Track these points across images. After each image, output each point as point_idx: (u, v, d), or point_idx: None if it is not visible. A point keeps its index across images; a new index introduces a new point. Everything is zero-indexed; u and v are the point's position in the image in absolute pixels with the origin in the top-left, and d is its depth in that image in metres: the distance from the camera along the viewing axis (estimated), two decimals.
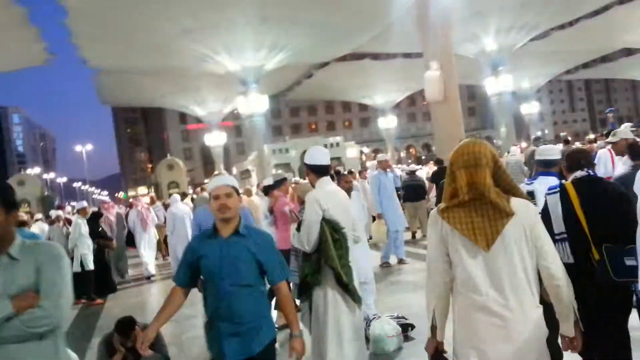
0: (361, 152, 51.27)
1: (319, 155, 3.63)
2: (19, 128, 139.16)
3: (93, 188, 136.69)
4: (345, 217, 3.51)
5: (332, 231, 3.37)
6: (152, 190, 36.35)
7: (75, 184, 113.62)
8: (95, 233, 9.55)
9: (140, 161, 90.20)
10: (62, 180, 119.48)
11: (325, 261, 3.32)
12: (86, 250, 9.32)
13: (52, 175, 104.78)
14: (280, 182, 6.31)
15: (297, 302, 3.57)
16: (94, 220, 9.74)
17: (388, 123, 41.41)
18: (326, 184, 3.58)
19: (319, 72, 34.55)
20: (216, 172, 35.20)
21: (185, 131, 67.84)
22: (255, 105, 24.35)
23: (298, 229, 3.48)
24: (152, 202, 15.04)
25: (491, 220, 2.05)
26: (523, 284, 2.04)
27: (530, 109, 38.13)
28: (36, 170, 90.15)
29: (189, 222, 9.51)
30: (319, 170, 3.59)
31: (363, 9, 21.68)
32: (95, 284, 9.31)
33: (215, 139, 35.10)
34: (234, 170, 48.44)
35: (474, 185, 2.08)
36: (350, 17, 22.47)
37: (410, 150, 73.16)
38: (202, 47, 22.18)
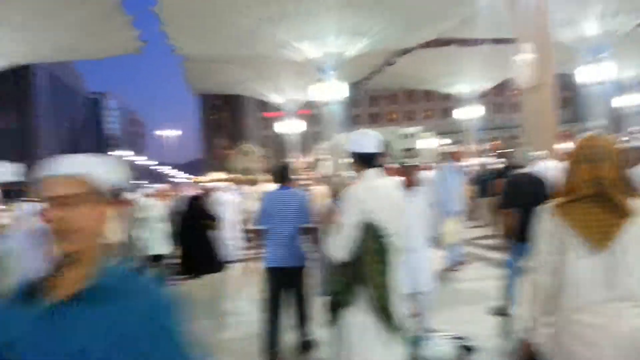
0: (439, 144, 49.65)
1: (366, 140, 3.08)
2: (115, 113, 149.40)
3: (175, 170, 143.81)
4: (396, 221, 2.86)
5: (373, 239, 2.73)
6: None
7: (160, 168, 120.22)
8: (199, 213, 9.52)
9: (221, 147, 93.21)
10: (151, 163, 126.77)
11: (358, 278, 2.68)
12: (150, 233, 9.31)
13: (142, 158, 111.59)
14: None
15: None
16: (196, 200, 9.49)
17: (469, 113, 39.49)
18: (374, 177, 2.97)
19: (401, 60, 33.60)
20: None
21: (263, 119, 69.12)
22: (332, 92, 23.98)
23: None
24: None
25: (610, 218, 1.94)
26: (638, 290, 1.92)
27: (632, 100, 34.78)
28: (127, 153, 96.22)
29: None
30: (365, 160, 3.03)
31: None
32: (201, 263, 9.10)
33: (291, 127, 35.19)
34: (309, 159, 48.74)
35: (596, 180, 1.99)
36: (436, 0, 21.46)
37: (494, 142, 69.73)
38: (283, 34, 22.09)
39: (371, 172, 3.00)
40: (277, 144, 66.02)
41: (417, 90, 65.90)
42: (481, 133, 48.96)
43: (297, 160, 35.78)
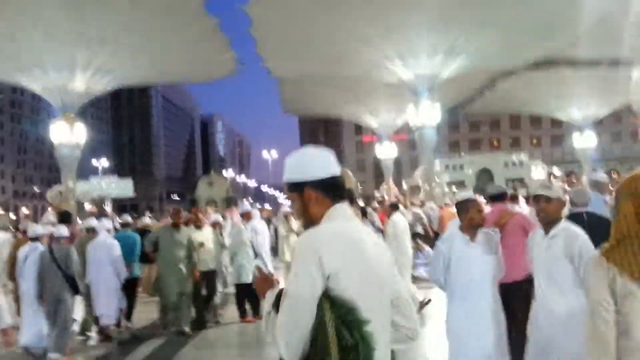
0: (550, 174, 45.74)
1: (324, 160, 1.90)
2: (221, 135, 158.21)
3: (276, 192, 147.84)
4: (378, 295, 1.73)
5: (340, 327, 1.55)
6: None
7: (263, 188, 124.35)
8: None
9: None
10: (251, 183, 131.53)
11: None
12: (245, 260, 8.86)
13: (243, 178, 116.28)
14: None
15: None
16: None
17: (584, 142, 35.84)
18: (342, 217, 1.82)
19: (504, 82, 31.40)
20: (384, 185, 34.33)
21: (359, 143, 68.75)
22: (426, 116, 22.75)
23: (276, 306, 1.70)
24: None
25: None
26: None
27: None
28: (231, 173, 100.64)
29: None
30: (328, 188, 1.85)
31: (561, 6, 18.72)
32: None
33: (386, 152, 34.24)
34: (404, 185, 47.28)
35: None
36: (545, 16, 19.65)
37: (613, 174, 63.35)
38: (376, 54, 21.45)
39: (339, 210, 1.84)
40: (374, 169, 65.42)
41: (522, 115, 61.99)
42: (597, 163, 44.60)
43: (389, 186, 34.71)
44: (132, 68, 23.05)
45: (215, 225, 9.45)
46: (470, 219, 4.14)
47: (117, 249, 8.07)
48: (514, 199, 12.07)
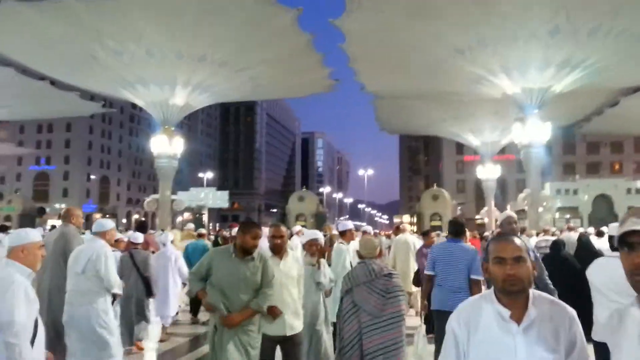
0: None
1: None
2: (321, 151, 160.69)
3: (374, 210, 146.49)
4: None
5: None
6: (415, 219, 35.28)
7: (360, 205, 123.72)
8: None
9: (417, 189, 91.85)
10: (347, 200, 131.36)
11: None
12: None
13: (340, 195, 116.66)
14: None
15: None
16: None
17: None
18: None
19: (628, 99, 27.91)
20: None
21: (460, 162, 65.52)
22: (534, 133, 20.57)
23: None
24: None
25: None
26: None
27: None
28: (328, 189, 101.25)
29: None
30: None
31: None
32: None
33: (488, 172, 31.91)
34: (508, 208, 43.89)
35: None
36: None
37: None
38: (476, 67, 19.81)
39: None
40: (475, 190, 62.03)
41: None
42: None
43: (490, 209, 32.20)
44: (229, 85, 23.52)
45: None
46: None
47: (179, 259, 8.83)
48: None
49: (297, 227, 9.81)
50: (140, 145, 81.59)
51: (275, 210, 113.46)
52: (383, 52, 21.12)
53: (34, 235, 3.24)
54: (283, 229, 4.48)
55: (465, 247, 5.56)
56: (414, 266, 9.05)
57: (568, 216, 39.77)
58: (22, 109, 29.69)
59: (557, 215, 39.33)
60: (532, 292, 1.85)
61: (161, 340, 8.22)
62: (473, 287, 5.32)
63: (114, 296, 5.26)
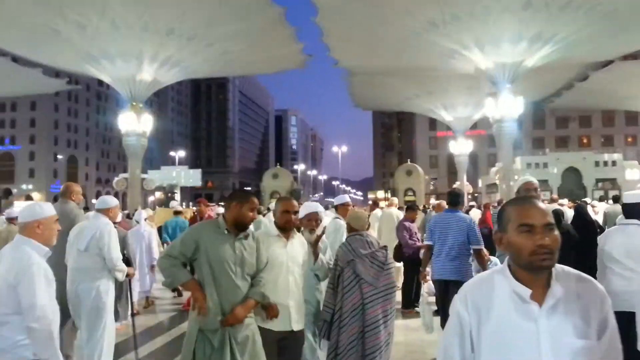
0: None
1: None
2: (294, 129, 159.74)
3: (349, 187, 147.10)
4: None
5: None
6: (389, 194, 35.41)
7: (334, 182, 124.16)
8: None
9: (391, 166, 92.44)
10: (323, 177, 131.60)
11: None
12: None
13: (314, 172, 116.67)
14: None
15: None
16: None
17: None
18: None
19: (597, 74, 28.37)
20: (456, 185, 32.29)
21: (433, 138, 66.04)
22: (506, 108, 20.71)
23: None
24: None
25: None
26: None
27: None
28: (302, 166, 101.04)
29: None
30: None
31: None
32: None
33: (460, 147, 32.20)
34: (480, 183, 44.53)
35: None
36: None
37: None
38: (449, 41, 19.71)
39: None
40: (447, 166, 62.78)
41: (617, 112, 56.72)
42: None
43: (462, 184, 32.59)
44: (199, 60, 22.88)
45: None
46: None
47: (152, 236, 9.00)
48: None
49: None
50: (108, 124, 79.63)
51: (249, 188, 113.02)
52: (356, 25, 20.80)
53: (49, 209, 3.09)
54: (296, 203, 3.78)
55: (461, 216, 5.64)
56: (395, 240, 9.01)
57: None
58: None
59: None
60: (555, 266, 1.49)
61: (146, 307, 8.62)
62: (477, 258, 5.45)
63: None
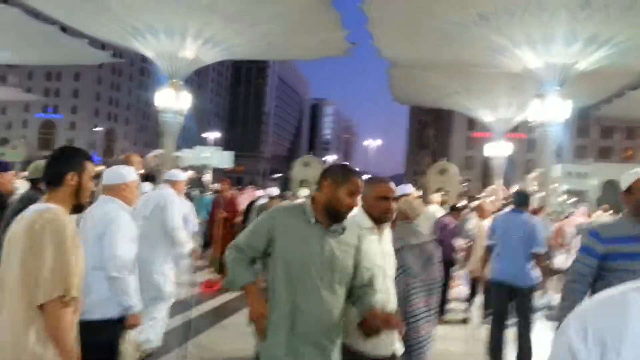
0: None
1: None
2: (329, 119, 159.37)
3: None
4: None
5: None
6: (421, 192, 34.55)
7: (364, 176, 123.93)
8: None
9: (423, 164, 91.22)
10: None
11: None
12: None
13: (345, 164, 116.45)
14: None
15: None
16: None
17: None
18: None
19: None
20: (492, 185, 31.44)
21: (470, 138, 64.69)
22: (553, 112, 19.90)
23: None
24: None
25: None
26: None
27: None
28: (333, 157, 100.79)
29: None
30: None
31: None
32: None
33: (497, 150, 31.28)
34: (515, 189, 43.26)
35: None
36: None
37: None
38: (499, 36, 18.98)
39: None
40: (482, 168, 61.34)
41: None
42: None
43: (496, 188, 31.70)
44: (241, 40, 22.76)
45: None
46: None
47: None
48: None
49: (305, 191, 9.48)
50: (149, 100, 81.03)
51: (280, 175, 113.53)
52: (403, 14, 20.26)
53: (134, 173, 3.33)
54: (394, 186, 2.89)
55: (526, 218, 5.49)
56: None
57: (576, 199, 39.28)
58: (28, 53, 29.04)
59: (565, 197, 38.83)
60: None
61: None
62: (538, 262, 5.34)
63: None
